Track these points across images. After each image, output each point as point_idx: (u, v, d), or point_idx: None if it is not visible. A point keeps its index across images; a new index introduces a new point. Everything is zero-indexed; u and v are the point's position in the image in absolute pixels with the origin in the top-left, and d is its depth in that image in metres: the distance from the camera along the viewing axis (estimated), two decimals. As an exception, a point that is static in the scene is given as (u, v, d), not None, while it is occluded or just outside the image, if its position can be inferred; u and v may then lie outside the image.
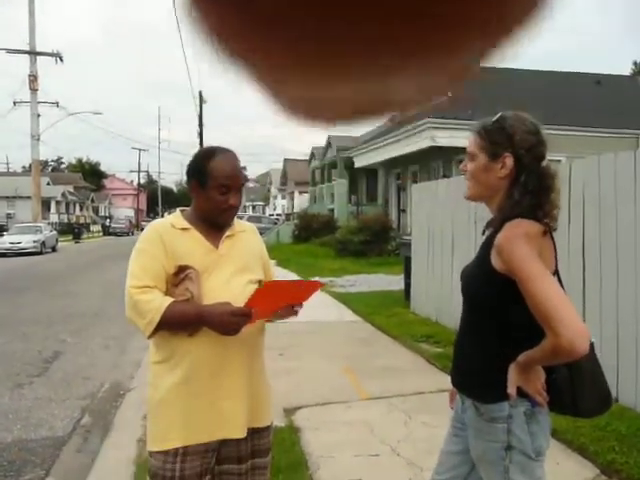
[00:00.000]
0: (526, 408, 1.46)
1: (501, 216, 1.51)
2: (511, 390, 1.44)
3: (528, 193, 1.48)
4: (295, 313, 1.83)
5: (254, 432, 1.78)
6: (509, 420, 1.46)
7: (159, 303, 1.60)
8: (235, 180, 1.74)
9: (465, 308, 1.63)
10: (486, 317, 1.54)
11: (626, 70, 35.13)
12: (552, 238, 1.51)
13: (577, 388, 1.47)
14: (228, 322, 1.57)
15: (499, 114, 1.59)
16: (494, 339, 1.52)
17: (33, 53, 27.48)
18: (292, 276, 11.34)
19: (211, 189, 1.71)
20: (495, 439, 1.48)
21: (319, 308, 8.51)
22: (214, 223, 1.76)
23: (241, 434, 1.71)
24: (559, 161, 11.89)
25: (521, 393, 1.45)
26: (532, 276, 1.34)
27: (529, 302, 1.36)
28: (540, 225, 1.46)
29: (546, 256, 1.44)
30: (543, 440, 1.49)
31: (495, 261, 1.45)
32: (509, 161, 1.51)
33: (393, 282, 10.67)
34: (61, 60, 28.46)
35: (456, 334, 1.70)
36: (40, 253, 22.88)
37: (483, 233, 1.62)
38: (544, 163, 1.53)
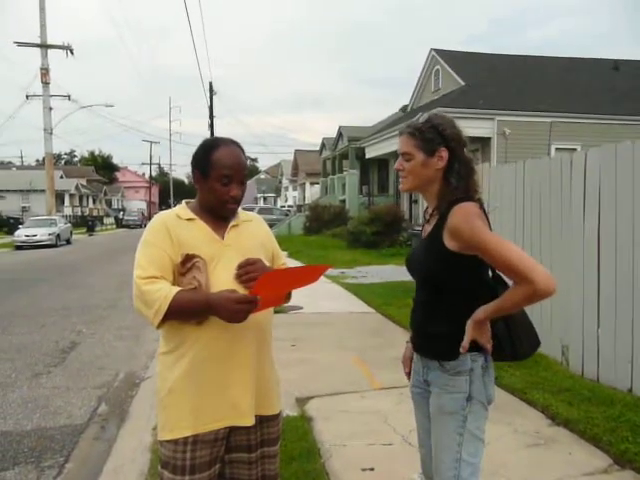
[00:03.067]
0: (482, 362, 1.73)
1: (445, 202, 1.73)
2: (466, 343, 1.67)
3: (462, 178, 1.74)
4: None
5: (263, 420, 1.79)
6: (471, 372, 1.71)
7: (166, 292, 1.59)
8: (237, 171, 1.72)
9: (420, 287, 1.85)
10: (446, 290, 1.74)
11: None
12: (483, 209, 1.73)
13: (514, 336, 1.73)
14: (234, 309, 1.57)
15: (426, 115, 1.82)
16: (454, 306, 1.72)
17: (44, 46, 27.63)
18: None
19: (213, 180, 1.70)
20: (459, 390, 1.72)
21: (331, 299, 8.54)
22: (218, 214, 1.76)
23: (249, 422, 1.72)
24: (574, 150, 11.76)
25: (477, 348, 1.69)
26: (498, 246, 1.58)
27: (499, 265, 1.61)
28: (476, 203, 1.71)
29: (488, 225, 1.69)
30: (492, 389, 1.77)
31: (450, 243, 1.66)
32: (445, 154, 1.74)
33: (405, 273, 10.53)
34: (71, 53, 28.62)
35: (412, 311, 1.91)
36: (55, 246, 23.17)
37: (427, 221, 1.82)
38: (466, 151, 1.79)
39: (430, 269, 1.75)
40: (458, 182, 1.73)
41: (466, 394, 1.70)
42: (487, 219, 1.71)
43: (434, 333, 1.77)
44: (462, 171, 1.74)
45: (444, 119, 1.79)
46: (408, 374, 2.02)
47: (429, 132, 1.75)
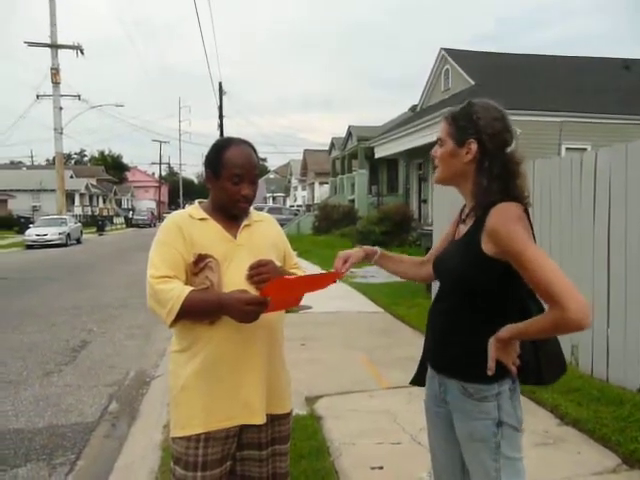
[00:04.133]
0: (510, 384, 1.55)
1: (480, 203, 1.55)
2: (492, 364, 1.49)
3: (495, 178, 1.54)
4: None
5: (274, 419, 1.81)
6: (498, 397, 1.53)
7: (179, 292, 1.60)
8: (248, 170, 1.73)
9: (448, 293, 1.64)
10: (479, 298, 1.54)
11: (655, 55, 34.02)
12: (528, 214, 1.55)
13: (541, 358, 1.56)
14: (244, 310, 1.58)
15: (467, 101, 1.63)
16: (484, 321, 1.53)
17: (54, 46, 27.84)
18: (313, 267, 11.36)
19: (224, 179, 1.72)
20: (487, 416, 1.54)
21: (340, 299, 8.55)
22: (229, 213, 1.77)
23: (260, 420, 1.74)
24: (585, 149, 11.67)
25: (504, 372, 1.51)
26: (533, 258, 1.39)
27: (532, 281, 1.41)
28: (521, 204, 1.52)
29: (530, 232, 1.50)
30: (521, 411, 1.59)
31: (487, 246, 1.48)
32: (474, 146, 1.56)
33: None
34: (82, 52, 28.81)
35: (430, 320, 1.71)
36: (65, 245, 23.37)
37: (463, 221, 1.66)
38: (509, 149, 1.58)
39: (464, 273, 1.55)
40: (489, 183, 1.53)
41: (496, 420, 1.53)
42: (530, 225, 1.51)
43: (458, 345, 1.59)
44: (495, 170, 1.53)
45: (484, 107, 1.58)
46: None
47: (463, 120, 1.58)
